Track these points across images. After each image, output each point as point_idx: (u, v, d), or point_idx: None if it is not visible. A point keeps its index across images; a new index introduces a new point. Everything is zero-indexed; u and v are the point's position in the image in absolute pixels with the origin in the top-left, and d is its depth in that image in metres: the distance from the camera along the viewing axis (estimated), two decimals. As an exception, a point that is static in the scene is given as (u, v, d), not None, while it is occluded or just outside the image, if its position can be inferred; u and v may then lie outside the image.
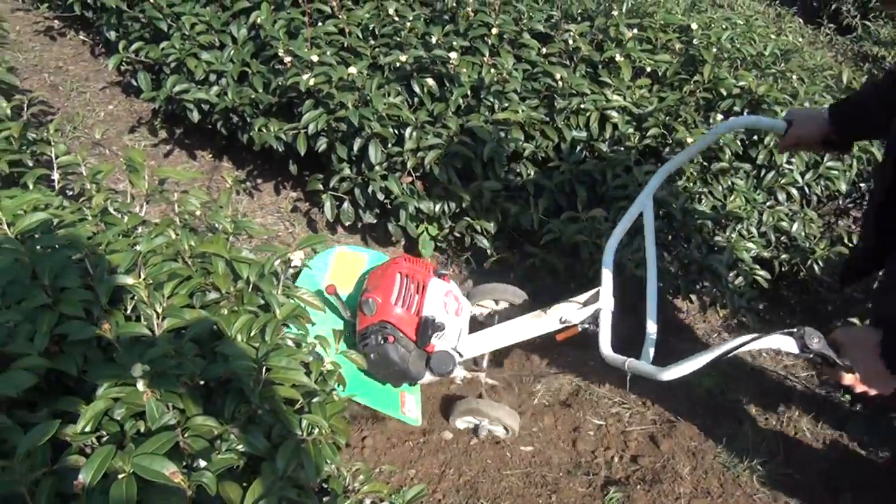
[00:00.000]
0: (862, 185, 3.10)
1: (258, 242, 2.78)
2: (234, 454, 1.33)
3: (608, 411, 2.60)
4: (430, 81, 2.88)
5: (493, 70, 2.86)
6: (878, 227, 1.63)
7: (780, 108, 2.82)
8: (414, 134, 2.77)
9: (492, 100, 2.86)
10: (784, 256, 2.87)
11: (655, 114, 2.85)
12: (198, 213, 1.94)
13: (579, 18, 3.22)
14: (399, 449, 2.40)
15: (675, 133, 2.77)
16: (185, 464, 1.29)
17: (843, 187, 2.91)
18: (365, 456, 2.37)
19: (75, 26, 4.16)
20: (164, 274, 1.57)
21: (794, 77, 3.11)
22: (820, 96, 3.03)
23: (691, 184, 2.81)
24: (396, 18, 3.05)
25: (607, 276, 2.18)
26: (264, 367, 1.43)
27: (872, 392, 1.43)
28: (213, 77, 3.09)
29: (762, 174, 2.89)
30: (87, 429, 1.26)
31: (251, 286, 1.72)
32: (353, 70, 2.73)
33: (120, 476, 1.14)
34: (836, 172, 2.88)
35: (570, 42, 2.96)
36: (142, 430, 1.31)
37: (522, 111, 2.82)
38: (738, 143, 2.79)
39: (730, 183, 2.83)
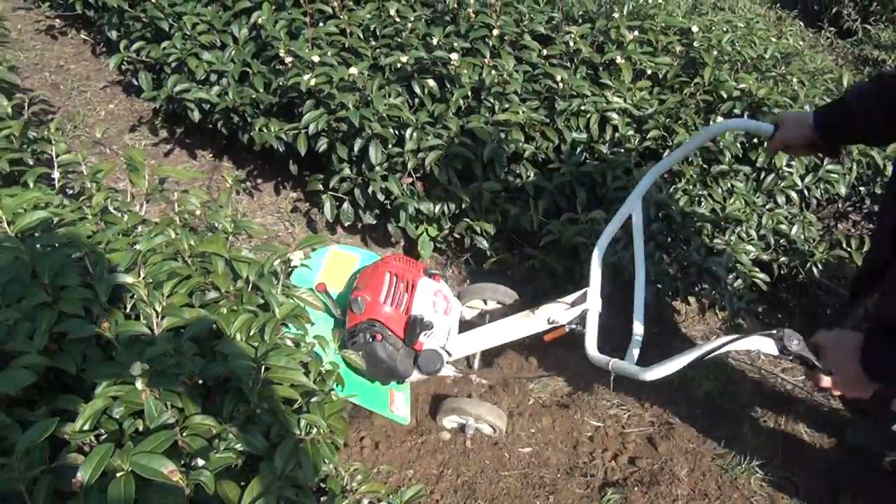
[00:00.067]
0: (861, 188, 3.10)
1: (258, 242, 2.79)
2: (232, 453, 1.34)
3: (606, 413, 2.60)
4: (431, 82, 2.89)
5: (493, 71, 2.86)
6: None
7: (779, 111, 2.83)
8: (414, 135, 2.77)
9: (492, 101, 2.86)
10: (783, 259, 2.87)
11: (656, 116, 2.85)
12: (198, 212, 1.94)
13: (580, 20, 3.22)
14: (397, 449, 2.40)
15: (676, 135, 2.77)
16: (183, 462, 1.29)
17: (843, 191, 2.91)
18: (363, 456, 2.37)
19: (76, 25, 4.17)
20: (164, 273, 1.57)
21: (795, 80, 3.11)
22: (820, 99, 3.03)
23: (691, 186, 2.81)
24: (398, 19, 3.05)
25: (595, 276, 2.19)
26: (263, 367, 1.43)
27: (849, 395, 1.43)
28: (213, 77, 3.09)
29: (762, 177, 2.89)
30: (86, 427, 1.26)
31: (250, 286, 1.72)
32: (353, 70, 2.74)
33: (118, 474, 1.14)
34: (835, 176, 2.88)
35: (571, 44, 2.96)
36: (140, 428, 1.31)
37: (523, 112, 2.82)
38: (738, 145, 2.79)
39: (729, 185, 2.83)
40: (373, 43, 3.06)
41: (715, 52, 3.02)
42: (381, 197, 2.86)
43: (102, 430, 1.30)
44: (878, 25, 5.41)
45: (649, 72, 3.02)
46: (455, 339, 2.33)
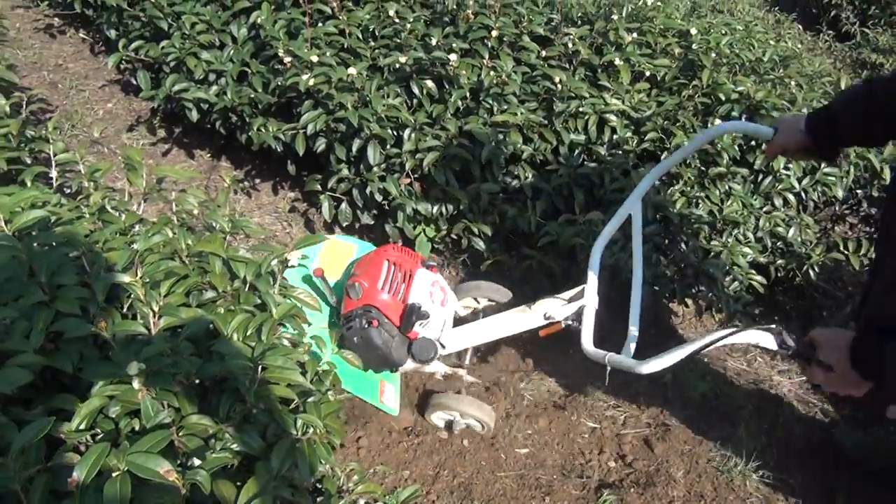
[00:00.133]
0: (858, 191, 3.10)
1: (255, 242, 2.78)
2: (228, 453, 1.34)
3: (602, 414, 2.60)
4: (430, 83, 2.89)
5: (492, 72, 2.86)
6: None
7: (777, 114, 2.83)
8: (412, 135, 2.78)
9: (491, 102, 2.86)
10: (780, 262, 2.88)
11: (654, 118, 2.86)
12: (195, 212, 1.94)
13: (579, 22, 3.23)
14: (394, 450, 2.40)
15: (674, 137, 2.78)
16: (179, 462, 1.29)
17: (840, 193, 2.91)
18: (360, 456, 2.37)
19: (75, 24, 4.16)
20: (161, 272, 1.57)
21: (793, 83, 3.12)
22: (818, 102, 3.03)
23: (688, 188, 2.82)
24: (397, 20, 3.05)
25: (593, 273, 2.19)
26: (260, 367, 1.43)
27: (843, 392, 1.44)
28: (212, 76, 3.09)
29: (759, 179, 2.89)
30: (82, 426, 1.26)
31: (248, 285, 1.72)
32: (352, 71, 2.74)
33: (114, 474, 1.14)
34: (832, 179, 2.88)
35: (570, 45, 2.97)
36: (137, 428, 1.31)
37: (521, 114, 2.82)
38: (736, 148, 2.80)
39: (727, 188, 2.83)
40: (372, 43, 3.06)
41: (713, 55, 3.03)
42: (378, 197, 2.86)
43: (99, 430, 1.31)
44: (877, 29, 5.43)
45: (648, 74, 3.02)
46: (450, 333, 2.33)
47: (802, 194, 2.92)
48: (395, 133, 2.80)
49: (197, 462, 1.29)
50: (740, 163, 2.89)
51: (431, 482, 2.32)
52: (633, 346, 1.88)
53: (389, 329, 2.16)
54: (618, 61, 2.94)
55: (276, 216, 3.34)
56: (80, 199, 1.89)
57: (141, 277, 1.48)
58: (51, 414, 1.25)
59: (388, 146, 2.81)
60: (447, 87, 2.90)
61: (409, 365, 2.27)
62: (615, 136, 2.88)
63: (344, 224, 3.06)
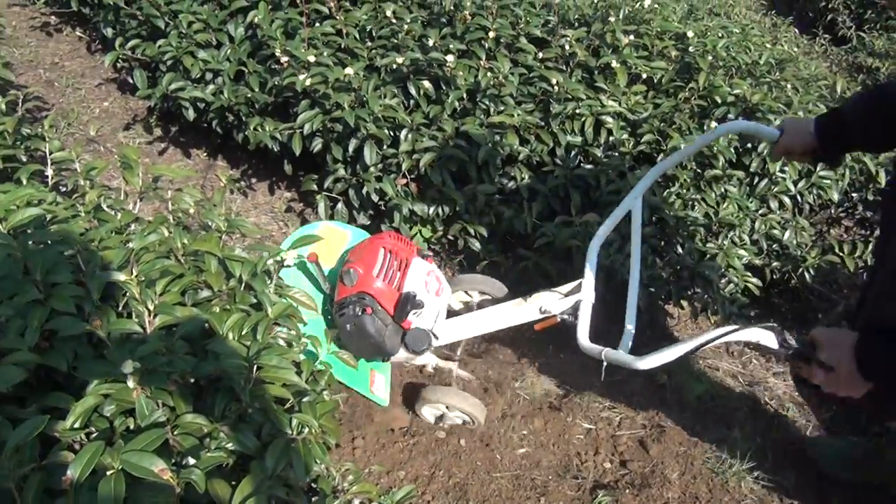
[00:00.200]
0: (854, 194, 3.11)
1: (251, 241, 2.78)
2: (223, 452, 1.34)
3: (598, 415, 2.60)
4: (427, 84, 2.89)
5: (489, 74, 2.87)
6: None
7: (773, 117, 2.84)
8: (409, 136, 2.78)
9: (487, 103, 2.86)
10: (775, 264, 2.89)
11: (650, 120, 2.86)
12: (191, 211, 1.94)
13: (576, 24, 3.23)
14: (389, 450, 2.40)
15: (670, 140, 2.78)
16: (174, 461, 1.29)
17: (835, 197, 2.93)
18: (355, 456, 2.37)
19: (72, 22, 4.16)
20: (157, 271, 1.57)
21: (789, 86, 3.13)
22: (814, 105, 3.05)
23: (685, 190, 2.83)
24: (394, 20, 3.06)
25: (591, 268, 2.19)
26: (255, 366, 1.43)
27: (842, 393, 1.43)
28: (209, 75, 3.09)
29: (755, 182, 2.90)
30: (77, 425, 1.26)
31: (243, 285, 1.72)
32: (349, 71, 2.74)
33: (108, 472, 1.14)
34: (828, 182, 2.90)
35: (567, 47, 2.97)
36: (131, 426, 1.31)
37: (518, 115, 2.83)
38: (732, 150, 2.81)
39: (723, 190, 2.84)
40: (369, 44, 3.06)
41: (710, 58, 3.04)
42: (375, 198, 2.86)
43: (93, 429, 1.30)
44: (873, 33, 5.45)
45: (644, 76, 3.03)
46: (444, 324, 2.32)
47: (798, 197, 2.93)
48: (392, 133, 2.80)
49: (192, 461, 1.29)
50: (736, 165, 2.90)
51: (427, 482, 2.32)
52: (629, 343, 1.88)
53: (383, 317, 2.14)
54: (615, 63, 2.95)
55: (273, 216, 3.33)
56: (76, 198, 1.88)
57: (136, 276, 1.48)
58: (45, 412, 1.25)
59: (385, 146, 2.81)
60: (444, 87, 2.90)
61: (402, 354, 2.25)
62: (611, 138, 2.88)
63: (340, 224, 3.06)
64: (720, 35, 3.36)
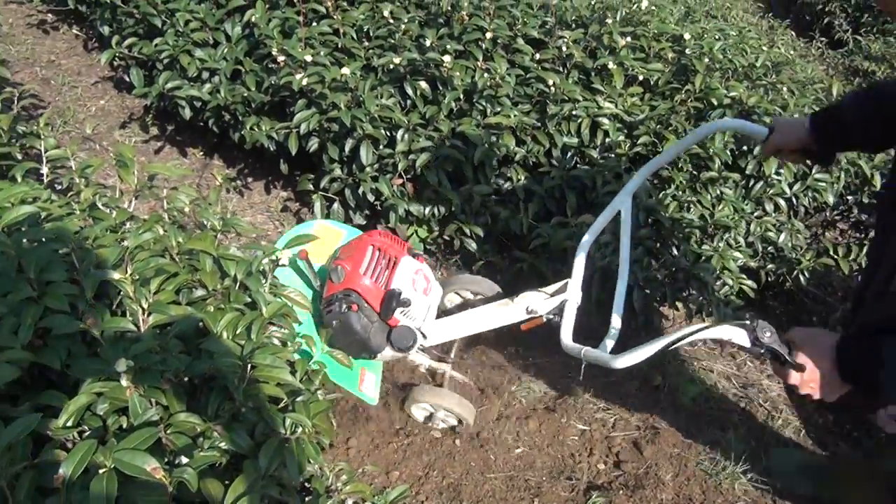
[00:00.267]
0: (849, 197, 3.12)
1: (247, 240, 2.78)
2: (216, 451, 1.33)
3: (592, 416, 2.61)
4: (423, 84, 2.89)
5: (486, 74, 2.87)
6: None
7: (769, 119, 2.84)
8: (406, 136, 2.78)
9: (484, 104, 2.87)
10: (770, 266, 2.89)
11: (646, 122, 2.87)
12: (187, 209, 1.94)
13: (573, 25, 3.24)
14: (383, 450, 2.40)
15: (666, 141, 2.79)
16: (167, 460, 1.28)
17: (831, 199, 2.93)
18: (349, 456, 2.37)
19: (69, 20, 4.15)
20: (151, 270, 1.56)
21: (785, 89, 3.14)
22: (810, 108, 3.05)
23: (680, 192, 2.83)
24: (391, 20, 3.06)
25: (578, 268, 2.20)
26: (249, 365, 1.42)
27: (817, 395, 1.42)
28: (205, 74, 3.09)
29: (751, 184, 2.91)
30: (69, 423, 1.25)
31: (238, 284, 1.71)
32: (346, 71, 2.74)
33: (101, 471, 1.13)
34: (823, 184, 2.90)
35: (564, 48, 2.97)
36: (124, 425, 1.31)
37: (514, 116, 2.83)
38: (728, 152, 2.81)
39: (718, 192, 2.85)
40: (366, 43, 3.06)
41: (706, 60, 3.04)
42: (371, 198, 2.86)
43: (86, 427, 1.30)
44: (869, 37, 5.46)
45: (641, 78, 3.03)
46: (432, 324, 2.32)
47: (793, 200, 2.94)
48: (388, 133, 2.81)
49: (184, 460, 1.29)
50: (732, 168, 2.90)
51: (421, 483, 2.32)
52: (611, 342, 1.87)
53: (369, 315, 2.14)
54: (611, 65, 2.96)
55: (269, 215, 3.33)
56: (71, 196, 1.88)
57: (131, 274, 1.47)
58: (38, 410, 1.25)
59: (381, 146, 2.81)
60: (441, 88, 2.90)
61: (388, 353, 2.24)
62: (608, 140, 2.88)
63: (336, 224, 3.06)
64: (717, 37, 3.36)
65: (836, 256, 2.89)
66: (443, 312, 2.49)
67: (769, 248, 2.93)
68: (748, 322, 1.43)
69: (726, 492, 2.35)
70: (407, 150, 2.78)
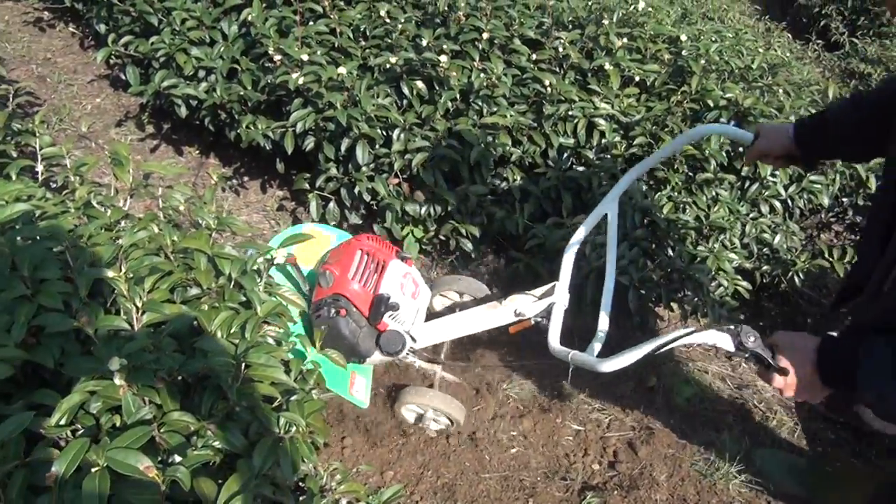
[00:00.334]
0: (844, 199, 3.13)
1: (242, 240, 2.77)
2: (210, 450, 1.33)
3: (587, 417, 2.61)
4: (420, 84, 2.89)
5: (482, 74, 2.87)
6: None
7: (765, 121, 2.85)
8: (402, 136, 2.78)
9: (480, 104, 2.87)
10: (765, 268, 2.90)
11: (642, 123, 2.87)
12: (182, 208, 1.93)
13: (570, 26, 3.24)
14: (378, 450, 2.40)
15: (662, 142, 2.79)
16: (160, 459, 1.28)
17: (826, 201, 2.94)
18: (344, 456, 2.36)
19: (65, 18, 4.14)
20: (146, 268, 1.56)
21: (781, 91, 3.14)
22: (805, 110, 3.06)
23: (676, 193, 2.83)
24: (388, 20, 3.06)
25: (565, 271, 2.20)
26: (243, 364, 1.42)
27: (800, 399, 1.43)
28: (202, 73, 3.08)
29: (746, 186, 2.91)
30: (62, 422, 1.25)
31: (233, 283, 1.71)
32: (342, 70, 2.74)
33: (93, 469, 1.13)
34: (818, 186, 2.91)
35: (561, 49, 2.98)
36: (117, 424, 1.30)
37: (511, 116, 2.83)
38: (724, 154, 2.82)
39: (714, 193, 2.85)
40: (362, 43, 3.06)
41: (703, 61, 3.05)
42: (367, 197, 2.86)
43: (79, 425, 1.29)
44: (865, 39, 5.47)
45: (637, 79, 3.04)
46: (421, 327, 2.32)
47: (789, 201, 2.94)
48: (385, 133, 2.80)
49: (178, 459, 1.28)
50: (728, 169, 2.91)
51: (415, 482, 2.32)
52: (598, 345, 1.88)
53: (357, 319, 2.14)
54: (608, 66, 2.96)
55: (264, 214, 3.33)
56: (66, 194, 1.87)
57: (125, 273, 1.47)
58: (31, 409, 1.24)
59: (377, 146, 2.81)
60: (437, 88, 2.90)
61: (377, 357, 2.25)
62: (604, 141, 2.89)
63: (332, 223, 3.05)
64: (713, 39, 3.37)
65: (830, 258, 2.89)
66: (433, 314, 2.49)
67: (764, 250, 2.93)
68: (732, 327, 1.44)
69: (721, 492, 2.35)
70: (403, 150, 2.77)
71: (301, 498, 1.59)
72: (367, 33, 3.07)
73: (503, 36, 3.01)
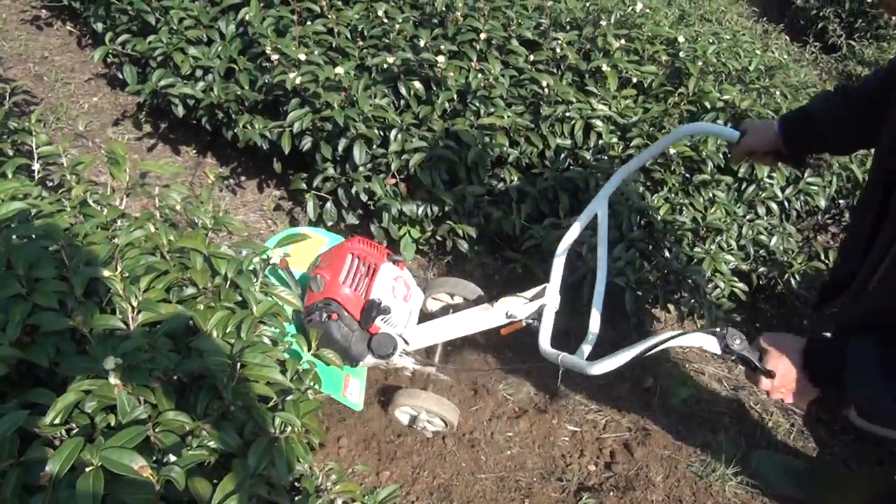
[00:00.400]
0: (841, 201, 3.13)
1: (238, 239, 2.77)
2: (205, 450, 1.33)
3: (584, 418, 2.61)
4: (417, 84, 2.89)
5: (480, 75, 2.87)
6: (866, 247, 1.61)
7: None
8: (399, 136, 2.78)
9: (478, 104, 2.87)
10: (762, 270, 2.90)
11: (640, 124, 2.87)
12: (178, 207, 1.93)
13: (568, 27, 3.24)
14: (374, 450, 2.40)
15: (659, 144, 2.79)
16: (155, 459, 1.28)
17: (823, 203, 2.94)
18: (340, 456, 2.36)
19: (62, 16, 4.14)
20: (141, 267, 1.56)
21: (778, 93, 3.15)
22: (802, 112, 3.06)
23: (673, 194, 2.84)
24: (385, 20, 3.05)
25: (556, 273, 2.20)
26: (239, 364, 1.42)
27: (788, 400, 1.43)
28: (199, 72, 3.08)
29: (743, 187, 2.92)
30: (57, 421, 1.25)
31: (229, 282, 1.71)
32: (340, 70, 2.73)
33: (88, 469, 1.13)
34: (815, 188, 2.91)
35: (558, 50, 2.98)
36: (112, 423, 1.30)
37: (508, 117, 2.83)
38: (720, 155, 2.82)
39: (711, 195, 2.85)
40: (360, 43, 3.06)
41: (700, 63, 3.05)
42: (364, 197, 2.86)
43: (74, 425, 1.29)
44: (863, 42, 5.48)
45: (635, 80, 3.04)
46: (414, 329, 2.32)
47: (785, 203, 2.95)
48: (382, 133, 2.80)
49: (173, 458, 1.28)
50: (724, 171, 2.91)
51: (411, 483, 2.32)
52: (588, 347, 1.88)
53: (349, 323, 2.14)
54: (605, 67, 2.96)
55: (261, 214, 3.32)
56: (62, 193, 1.87)
57: (121, 272, 1.47)
58: (25, 408, 1.24)
59: (375, 146, 2.80)
60: (434, 88, 2.90)
61: (370, 360, 2.25)
62: (601, 142, 2.89)
63: (329, 223, 3.05)
64: (711, 41, 3.37)
65: (827, 260, 2.90)
66: (426, 316, 2.48)
67: (761, 252, 2.94)
68: (718, 329, 1.44)
69: (717, 493, 2.36)
70: (400, 150, 2.77)
71: (296, 498, 1.59)
72: (365, 33, 3.07)
73: (501, 36, 3.01)
